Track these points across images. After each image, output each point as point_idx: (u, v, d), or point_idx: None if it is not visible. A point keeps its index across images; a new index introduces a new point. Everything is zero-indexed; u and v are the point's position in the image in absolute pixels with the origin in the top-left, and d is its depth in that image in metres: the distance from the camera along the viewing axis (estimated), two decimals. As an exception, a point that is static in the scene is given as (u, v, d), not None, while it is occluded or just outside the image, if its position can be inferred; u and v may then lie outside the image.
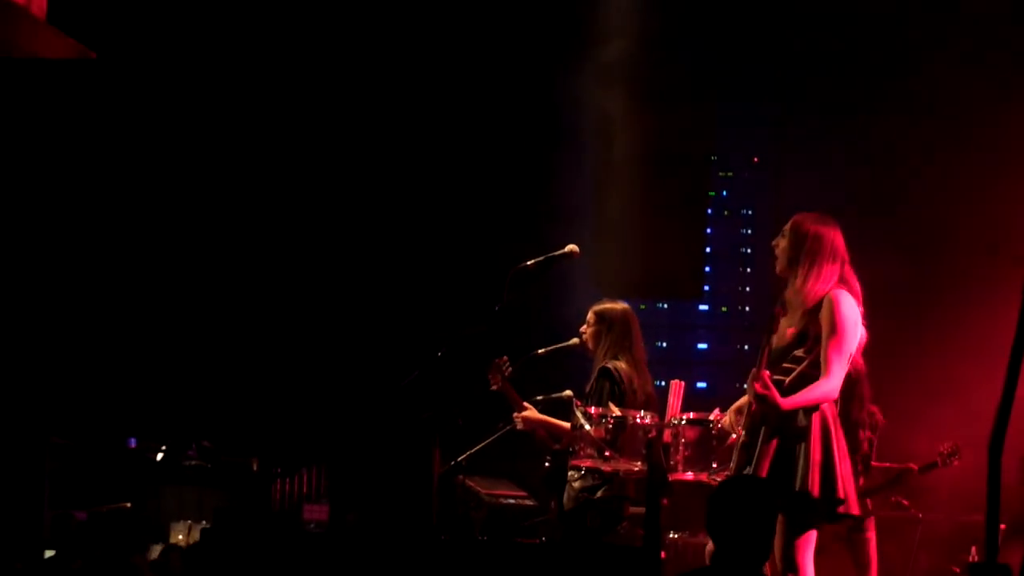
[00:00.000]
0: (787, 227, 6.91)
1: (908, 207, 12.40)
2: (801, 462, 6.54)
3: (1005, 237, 11.24)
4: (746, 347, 18.08)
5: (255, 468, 10.78)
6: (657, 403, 8.16)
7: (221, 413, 12.08)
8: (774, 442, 6.64)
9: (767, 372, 6.58)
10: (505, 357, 8.72)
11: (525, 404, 8.73)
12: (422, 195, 12.78)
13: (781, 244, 6.91)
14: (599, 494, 8.34)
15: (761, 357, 6.64)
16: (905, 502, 10.53)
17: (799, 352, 6.70)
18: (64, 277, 11.42)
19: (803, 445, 6.56)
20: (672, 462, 7.15)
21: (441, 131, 12.75)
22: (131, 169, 12.17)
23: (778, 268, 6.92)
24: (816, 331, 6.65)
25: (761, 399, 6.52)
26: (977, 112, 11.68)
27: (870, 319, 6.82)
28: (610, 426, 7.36)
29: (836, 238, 6.85)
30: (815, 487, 6.50)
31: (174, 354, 12.37)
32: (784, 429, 6.61)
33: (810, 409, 6.58)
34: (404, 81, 12.72)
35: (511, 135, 12.69)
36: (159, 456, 10.84)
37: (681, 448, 7.11)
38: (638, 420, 7.35)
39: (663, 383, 8.14)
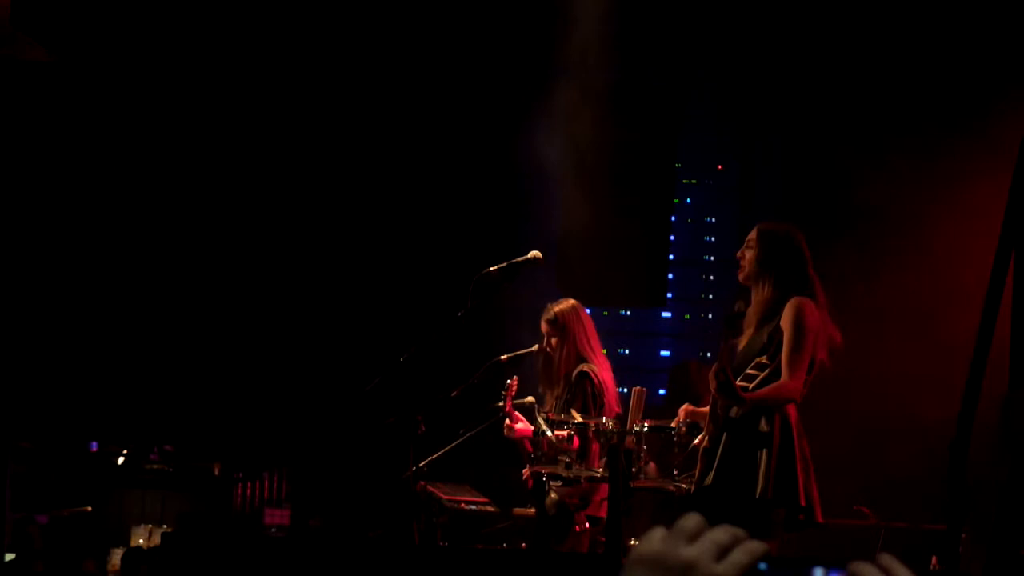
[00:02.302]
0: (752, 236, 6.93)
1: (875, 212, 12.37)
2: (762, 469, 6.54)
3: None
4: (708, 354, 18.09)
5: (217, 472, 10.76)
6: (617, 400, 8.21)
7: (183, 417, 12.04)
8: (736, 448, 6.64)
9: (728, 367, 6.57)
10: (516, 378, 8.59)
11: (518, 416, 8.63)
12: (385, 201, 12.76)
13: (747, 254, 6.92)
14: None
15: (722, 359, 6.63)
16: (866, 510, 10.52)
17: (763, 359, 6.72)
18: (26, 280, 11.38)
19: (764, 452, 6.56)
20: (634, 468, 7.15)
21: (405, 138, 12.74)
22: (91, 174, 12.12)
23: (742, 276, 6.94)
24: (780, 338, 6.67)
25: (725, 391, 6.48)
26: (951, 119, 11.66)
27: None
28: (572, 432, 7.35)
29: (801, 245, 6.88)
30: (774, 494, 6.51)
31: (136, 358, 12.32)
32: (746, 435, 6.62)
33: (772, 416, 6.59)
34: (361, 89, 12.71)
35: (476, 143, 12.68)
36: (121, 460, 10.81)
37: (643, 455, 7.12)
38: (600, 427, 7.34)
39: (625, 389, 8.14)
